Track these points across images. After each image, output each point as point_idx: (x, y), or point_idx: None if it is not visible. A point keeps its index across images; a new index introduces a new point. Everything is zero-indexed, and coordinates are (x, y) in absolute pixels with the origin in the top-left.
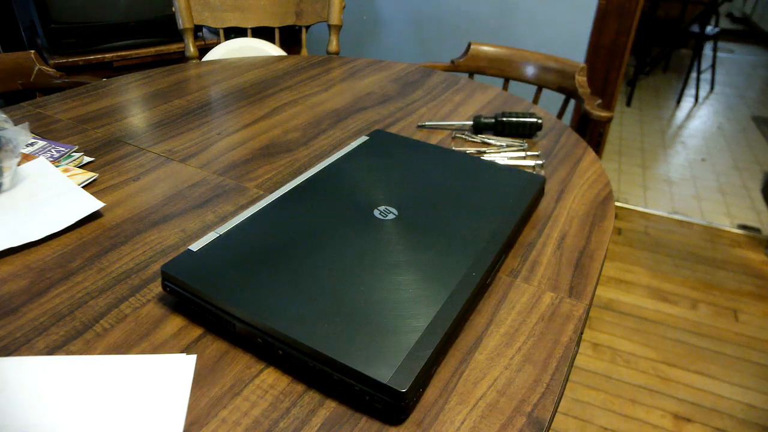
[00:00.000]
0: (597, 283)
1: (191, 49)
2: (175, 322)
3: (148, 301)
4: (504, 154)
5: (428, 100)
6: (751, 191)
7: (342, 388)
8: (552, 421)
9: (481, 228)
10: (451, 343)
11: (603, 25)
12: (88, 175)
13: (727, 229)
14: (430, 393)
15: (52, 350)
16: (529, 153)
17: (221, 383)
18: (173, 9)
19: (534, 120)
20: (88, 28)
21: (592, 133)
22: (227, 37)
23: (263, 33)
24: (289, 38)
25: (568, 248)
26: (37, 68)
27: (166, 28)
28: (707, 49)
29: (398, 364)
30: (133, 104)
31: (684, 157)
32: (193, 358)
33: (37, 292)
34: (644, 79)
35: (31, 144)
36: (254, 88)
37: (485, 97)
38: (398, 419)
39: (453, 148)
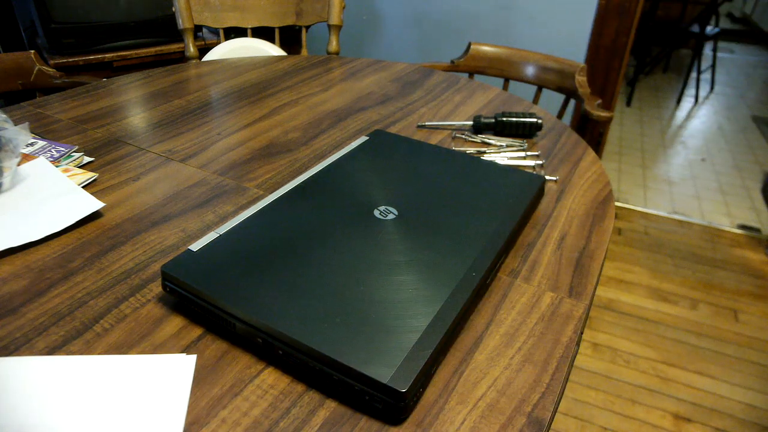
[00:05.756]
0: (597, 283)
1: (191, 49)
2: (175, 322)
3: (148, 301)
4: (504, 154)
5: (428, 100)
6: (751, 191)
7: (342, 388)
8: (552, 421)
9: (481, 228)
10: (451, 343)
11: (603, 25)
12: (88, 175)
13: (727, 229)
14: (430, 393)
15: (52, 350)
16: (529, 153)
17: (221, 383)
18: (173, 9)
19: (534, 120)
20: (88, 28)
21: (592, 133)
22: (227, 37)
23: (263, 33)
24: (289, 38)
25: (568, 248)
26: (37, 68)
27: (166, 28)
28: (707, 49)
29: (398, 364)
30: (133, 104)
31: (684, 157)
32: (193, 358)
33: (37, 292)
34: (644, 79)
35: (31, 144)
36: (254, 88)
37: (485, 97)
38: (398, 419)
39: (453, 148)
